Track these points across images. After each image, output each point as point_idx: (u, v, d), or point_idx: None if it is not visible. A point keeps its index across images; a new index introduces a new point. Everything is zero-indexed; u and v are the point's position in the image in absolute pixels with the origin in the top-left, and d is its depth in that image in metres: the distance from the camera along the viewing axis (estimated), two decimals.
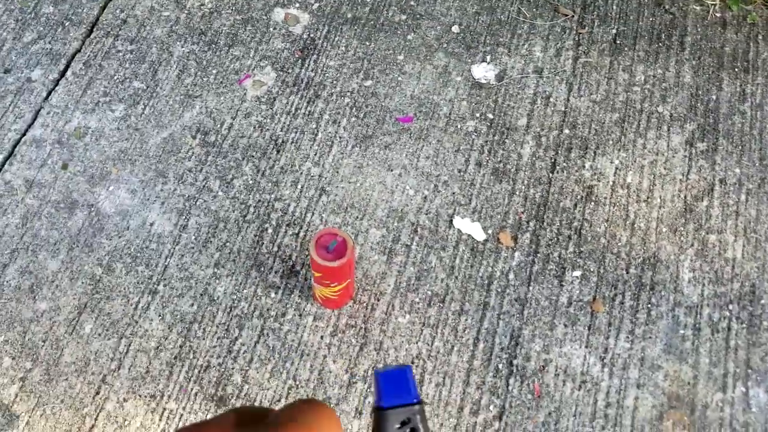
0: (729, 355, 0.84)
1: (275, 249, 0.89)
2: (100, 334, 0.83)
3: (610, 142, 0.99)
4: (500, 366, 0.83)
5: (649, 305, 0.87)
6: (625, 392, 0.82)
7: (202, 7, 1.09)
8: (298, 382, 0.81)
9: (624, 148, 0.98)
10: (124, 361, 0.82)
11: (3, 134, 0.97)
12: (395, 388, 0.30)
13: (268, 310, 0.85)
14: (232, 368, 0.81)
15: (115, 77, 1.02)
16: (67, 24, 1.07)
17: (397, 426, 0.29)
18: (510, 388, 0.81)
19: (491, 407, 0.80)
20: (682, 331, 0.85)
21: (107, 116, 0.99)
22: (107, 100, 1.00)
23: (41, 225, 0.90)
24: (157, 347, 0.82)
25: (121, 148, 0.96)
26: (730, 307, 0.87)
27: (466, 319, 0.85)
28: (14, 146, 0.96)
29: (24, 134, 0.97)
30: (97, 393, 0.80)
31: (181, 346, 0.82)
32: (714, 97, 1.03)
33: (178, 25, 1.07)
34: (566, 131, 1.00)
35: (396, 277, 0.88)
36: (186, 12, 1.08)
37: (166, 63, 1.03)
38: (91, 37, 1.06)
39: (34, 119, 0.98)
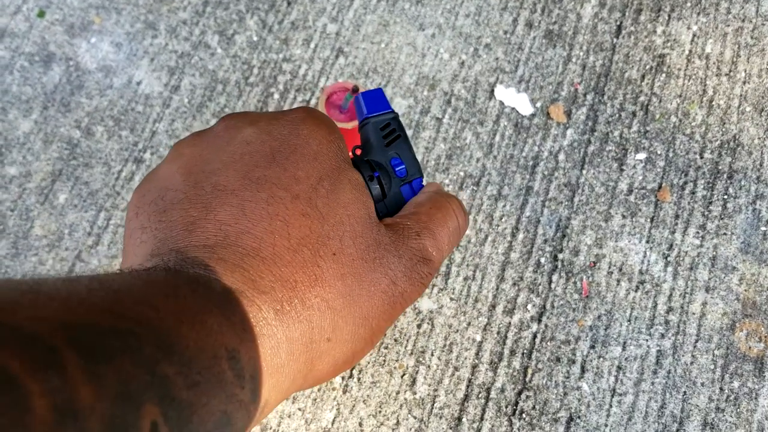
0: None
1: None
2: (76, 206, 0.71)
3: (688, 4, 0.82)
4: (542, 260, 0.70)
5: (726, 196, 0.72)
6: (691, 296, 0.68)
7: None
8: None
9: (704, 12, 0.81)
10: (102, 237, 0.70)
11: None
12: (374, 103, 0.33)
13: None
14: None
15: None
16: None
17: (380, 129, 0.33)
18: (553, 285, 0.69)
19: (529, 306, 0.68)
20: (763, 228, 0.71)
21: None
22: None
23: (13, 80, 0.77)
24: None
25: None
26: None
27: (504, 206, 0.72)
28: None
29: None
30: (71, 271, 0.69)
31: None
32: None
33: None
34: None
35: (423, 154, 0.74)
36: None
37: None
38: None
39: None
